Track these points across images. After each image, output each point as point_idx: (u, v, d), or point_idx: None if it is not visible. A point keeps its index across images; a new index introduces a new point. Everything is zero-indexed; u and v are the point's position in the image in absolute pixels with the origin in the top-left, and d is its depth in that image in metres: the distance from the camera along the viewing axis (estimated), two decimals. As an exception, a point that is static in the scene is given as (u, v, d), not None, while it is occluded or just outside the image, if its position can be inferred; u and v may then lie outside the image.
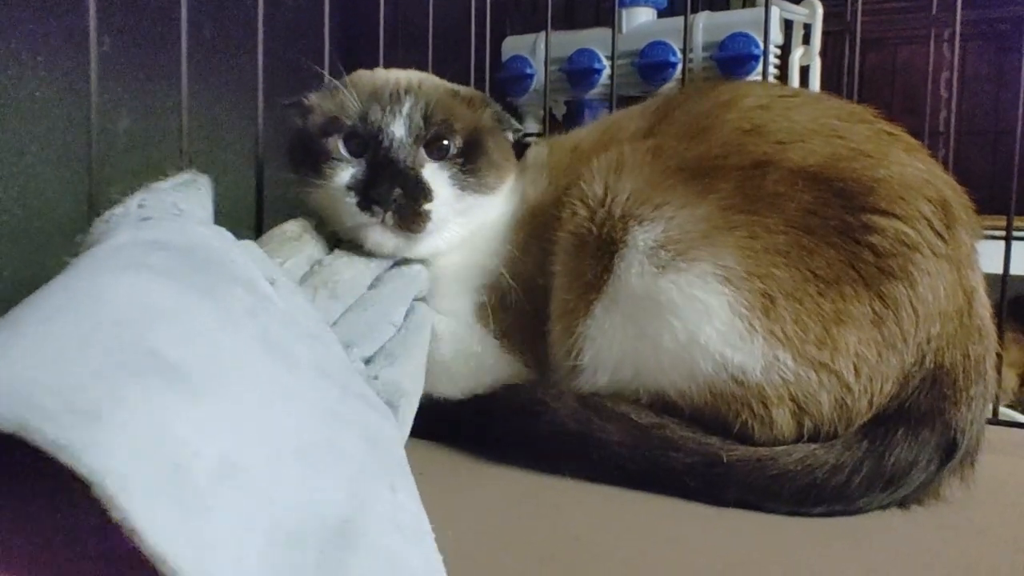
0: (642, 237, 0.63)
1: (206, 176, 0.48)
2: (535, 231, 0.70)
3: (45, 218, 0.70)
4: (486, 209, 0.69)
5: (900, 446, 0.57)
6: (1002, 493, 0.63)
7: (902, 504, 0.58)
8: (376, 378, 0.51)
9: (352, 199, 0.63)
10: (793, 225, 0.60)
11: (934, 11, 1.16)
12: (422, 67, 0.75)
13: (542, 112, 1.07)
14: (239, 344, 0.33)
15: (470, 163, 0.67)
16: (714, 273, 0.60)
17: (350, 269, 0.59)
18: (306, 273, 0.59)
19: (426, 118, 0.65)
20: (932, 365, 0.59)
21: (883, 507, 0.58)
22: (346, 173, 0.64)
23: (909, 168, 0.62)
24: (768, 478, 0.57)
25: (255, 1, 0.70)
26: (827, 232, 0.60)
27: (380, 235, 0.63)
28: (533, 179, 0.73)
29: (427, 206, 0.63)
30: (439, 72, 0.74)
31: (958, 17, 0.83)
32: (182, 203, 0.43)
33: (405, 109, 0.65)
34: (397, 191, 0.62)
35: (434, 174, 0.65)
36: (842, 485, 0.57)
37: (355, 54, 0.96)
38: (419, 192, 0.63)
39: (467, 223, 0.68)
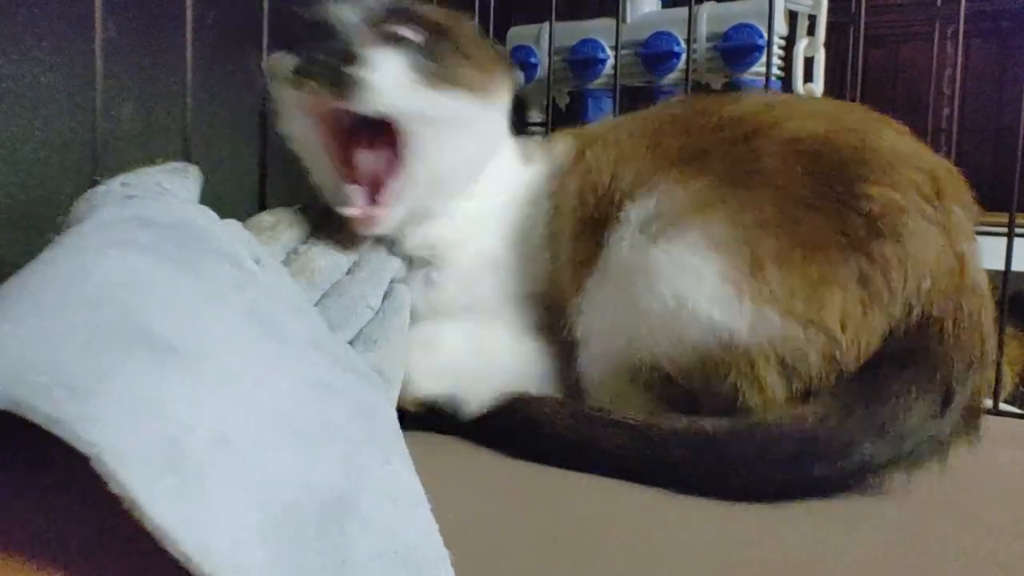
0: (635, 213, 0.63)
1: (196, 167, 0.47)
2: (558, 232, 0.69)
3: (48, 204, 0.70)
4: (476, 121, 0.64)
5: (887, 385, 0.57)
6: (1002, 480, 0.63)
7: (911, 458, 0.56)
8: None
9: (289, 76, 0.57)
10: (782, 196, 0.61)
11: (938, 3, 1.16)
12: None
13: (545, 102, 1.07)
14: (227, 318, 0.33)
15: (435, 54, 0.61)
16: (704, 241, 0.60)
17: (326, 257, 0.58)
18: (283, 261, 0.58)
19: (383, 4, 0.60)
20: (919, 315, 0.59)
21: (889, 461, 0.56)
22: (289, 62, 0.58)
23: (899, 143, 0.63)
24: (760, 443, 0.57)
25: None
26: (816, 201, 0.60)
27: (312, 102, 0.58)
28: (563, 182, 0.70)
29: (362, 73, 0.56)
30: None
31: (962, 12, 0.83)
32: (165, 183, 0.43)
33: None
34: (322, 56, 0.56)
35: (385, 55, 0.58)
36: (834, 430, 0.56)
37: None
38: (351, 58, 0.56)
39: (455, 139, 0.63)
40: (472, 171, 0.67)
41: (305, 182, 0.65)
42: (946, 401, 0.57)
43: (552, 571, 0.46)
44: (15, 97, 0.65)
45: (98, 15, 0.57)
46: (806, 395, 0.59)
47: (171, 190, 0.43)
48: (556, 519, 0.55)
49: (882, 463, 0.57)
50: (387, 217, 0.61)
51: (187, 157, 0.66)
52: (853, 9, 0.96)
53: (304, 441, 0.30)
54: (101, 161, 0.61)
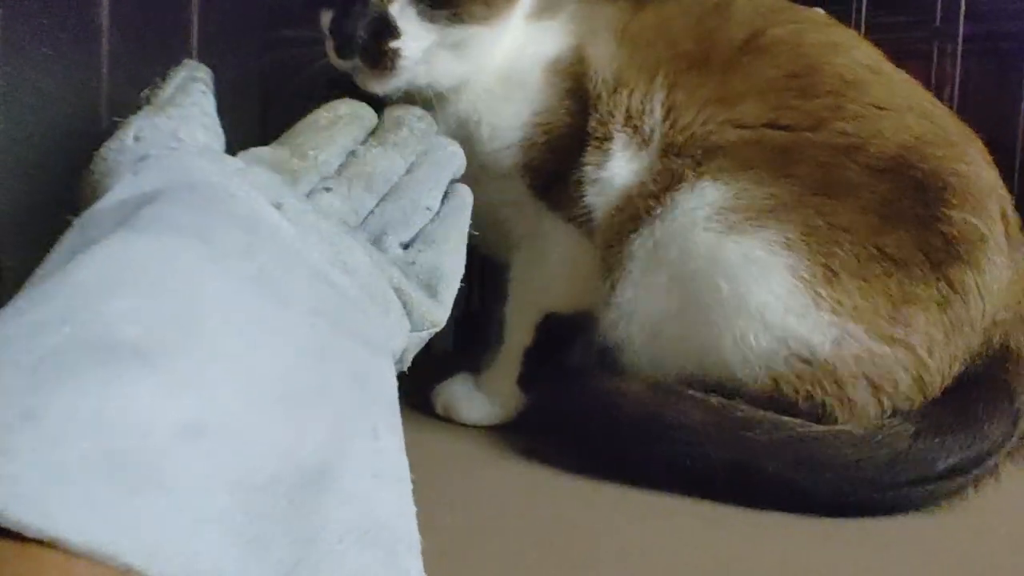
0: (711, 192, 0.63)
1: (205, 69, 0.48)
2: (580, 90, 0.72)
3: (50, 209, 0.70)
4: (483, 40, 0.69)
5: (972, 408, 0.56)
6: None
7: (976, 481, 0.56)
8: (413, 263, 0.51)
9: (331, 45, 0.65)
10: (865, 209, 0.60)
11: (937, 23, 1.17)
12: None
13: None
14: (228, 287, 0.33)
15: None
16: (777, 240, 0.59)
17: (384, 159, 0.58)
18: (341, 165, 0.57)
19: None
20: (998, 346, 0.59)
21: (975, 479, 0.57)
22: (327, 17, 0.66)
23: (984, 171, 0.63)
24: (850, 451, 0.56)
25: (265, -2, 0.70)
26: (899, 218, 0.60)
27: (362, 79, 0.65)
28: (595, 36, 0.74)
29: (393, 43, 0.64)
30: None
31: (960, 32, 0.84)
32: (181, 131, 0.44)
33: None
34: (361, 36, 0.63)
35: (403, 9, 0.64)
36: (927, 446, 0.55)
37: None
38: (382, 29, 0.63)
39: (460, 56, 0.68)
40: (480, 76, 0.72)
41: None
42: (1015, 423, 0.57)
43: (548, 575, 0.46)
44: (18, 103, 0.65)
45: (103, 22, 0.57)
46: (893, 415, 0.58)
47: (185, 140, 0.43)
48: (554, 524, 0.55)
49: (968, 481, 0.57)
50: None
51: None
52: (852, 27, 0.96)
53: (292, 414, 0.30)
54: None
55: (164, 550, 0.23)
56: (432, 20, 0.65)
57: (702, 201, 0.63)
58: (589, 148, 0.73)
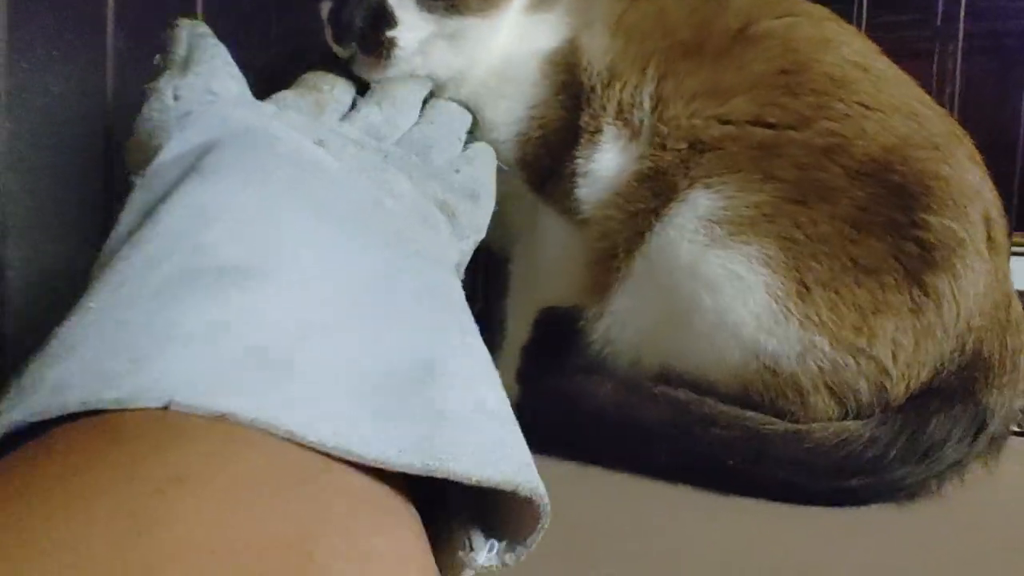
0: (703, 203, 0.63)
1: (203, 24, 0.49)
2: (574, 83, 0.71)
3: (56, 211, 0.71)
4: (480, 32, 0.69)
5: (934, 420, 0.57)
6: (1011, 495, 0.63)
7: (937, 480, 0.58)
8: (458, 171, 0.54)
9: (330, 33, 0.64)
10: (841, 218, 0.61)
11: (938, 21, 1.17)
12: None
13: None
14: (294, 220, 0.35)
15: None
16: (759, 257, 0.60)
17: (401, 87, 0.61)
18: (360, 95, 0.60)
19: None
20: (971, 352, 0.60)
21: (917, 481, 0.58)
22: (327, 7, 0.65)
23: (968, 175, 0.63)
24: (804, 450, 0.58)
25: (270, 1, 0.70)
26: (875, 226, 0.61)
27: (359, 65, 0.64)
28: (590, 28, 0.73)
29: (390, 32, 0.63)
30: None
31: (960, 30, 0.84)
32: (213, 84, 0.45)
33: None
34: (358, 24, 0.62)
35: (401, 3, 0.64)
36: (878, 457, 0.57)
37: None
38: (380, 19, 0.63)
39: (457, 48, 0.68)
40: (475, 70, 0.71)
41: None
42: (979, 430, 0.58)
43: (548, 572, 0.47)
44: (26, 103, 0.66)
45: (109, 24, 0.58)
46: (857, 416, 0.59)
47: (220, 92, 0.45)
48: (554, 521, 0.55)
49: (916, 484, 0.58)
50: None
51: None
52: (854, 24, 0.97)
53: (385, 321, 0.32)
54: (112, 169, 0.62)
55: (316, 420, 0.25)
56: (430, 10, 0.65)
57: (693, 213, 0.63)
58: (582, 141, 0.73)
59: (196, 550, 0.21)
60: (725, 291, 0.60)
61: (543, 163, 0.73)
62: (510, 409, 0.33)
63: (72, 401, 0.24)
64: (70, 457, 0.23)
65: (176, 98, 0.44)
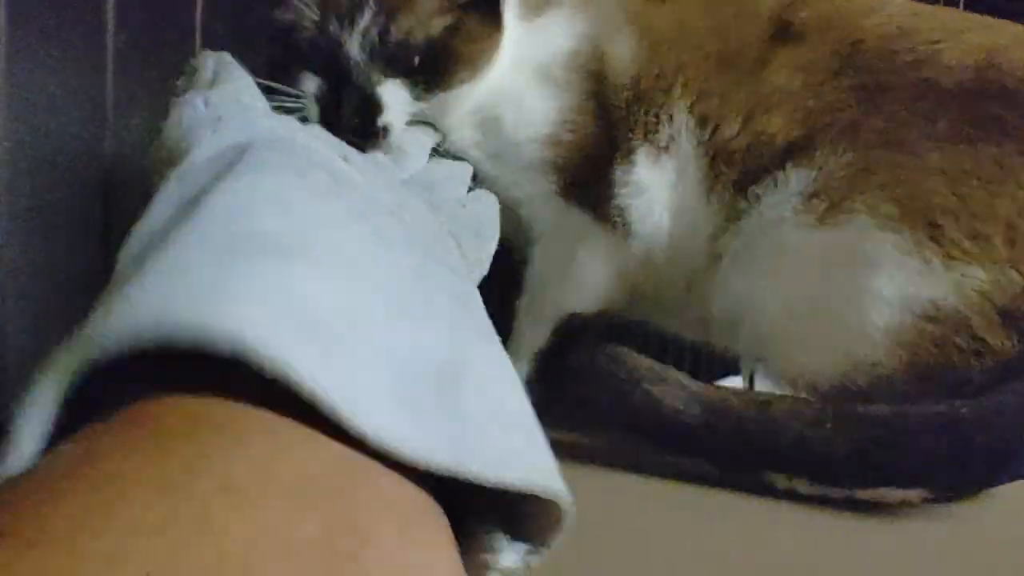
0: (795, 178, 0.61)
1: (229, 55, 0.50)
2: (601, 94, 0.71)
3: (55, 210, 0.71)
4: (473, 89, 0.69)
5: None
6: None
7: None
8: (465, 206, 0.55)
9: (315, 111, 0.64)
10: (946, 139, 0.57)
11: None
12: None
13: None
14: (333, 216, 0.35)
15: (433, 72, 0.67)
16: (874, 223, 0.57)
17: (410, 134, 0.63)
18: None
19: (382, 35, 0.65)
20: None
21: None
22: (312, 83, 0.66)
23: None
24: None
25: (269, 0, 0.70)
26: (985, 133, 0.57)
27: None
28: (611, 29, 0.72)
29: (381, 120, 0.64)
30: None
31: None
32: (244, 97, 0.46)
33: (362, 24, 0.64)
34: (352, 118, 0.63)
35: (393, 90, 0.65)
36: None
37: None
38: (370, 110, 0.63)
39: (452, 107, 0.69)
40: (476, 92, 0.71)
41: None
42: None
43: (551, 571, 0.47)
44: (26, 105, 0.66)
45: (109, 24, 0.58)
46: None
47: (249, 104, 0.46)
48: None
49: None
50: None
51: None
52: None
53: (414, 321, 0.32)
54: (110, 170, 0.62)
55: (364, 411, 0.25)
56: (423, 97, 0.67)
57: (787, 193, 0.62)
58: (619, 153, 0.72)
59: (253, 554, 0.21)
60: (851, 269, 0.57)
61: (577, 169, 0.72)
62: (532, 413, 0.33)
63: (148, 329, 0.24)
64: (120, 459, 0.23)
65: (207, 105, 0.44)
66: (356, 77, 0.64)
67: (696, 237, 0.71)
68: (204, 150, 0.40)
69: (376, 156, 0.57)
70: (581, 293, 0.73)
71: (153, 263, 0.29)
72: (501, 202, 0.64)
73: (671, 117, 0.70)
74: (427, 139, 0.66)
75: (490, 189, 0.70)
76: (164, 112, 0.82)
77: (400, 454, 0.25)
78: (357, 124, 0.63)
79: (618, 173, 0.71)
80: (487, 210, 0.58)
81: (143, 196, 0.38)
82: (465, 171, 0.65)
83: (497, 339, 0.38)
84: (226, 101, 0.45)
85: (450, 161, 0.66)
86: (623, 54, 0.72)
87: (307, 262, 0.30)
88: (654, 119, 0.71)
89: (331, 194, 0.38)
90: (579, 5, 0.74)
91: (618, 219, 0.72)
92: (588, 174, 0.72)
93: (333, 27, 0.64)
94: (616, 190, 0.71)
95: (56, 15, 0.68)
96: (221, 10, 0.79)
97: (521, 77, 0.71)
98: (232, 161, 0.37)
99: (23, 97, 0.65)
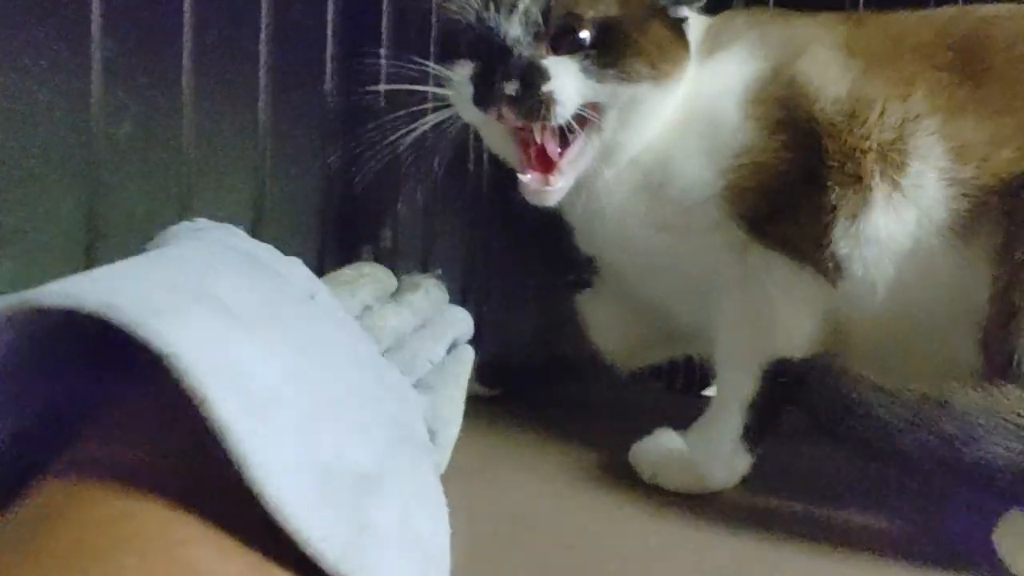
0: None
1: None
2: (797, 119, 0.64)
3: (45, 222, 0.70)
4: (652, 98, 0.64)
5: None
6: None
7: None
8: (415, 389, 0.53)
9: (469, 91, 0.62)
10: None
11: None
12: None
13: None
14: (289, 317, 0.36)
15: (606, 54, 0.62)
16: None
17: (396, 316, 0.60)
18: (356, 316, 0.59)
19: (545, 14, 0.62)
20: None
21: None
22: (467, 68, 0.63)
23: None
24: None
25: (259, 5, 0.70)
26: None
27: (497, 139, 0.65)
28: (804, 55, 0.65)
29: (546, 87, 0.60)
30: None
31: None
32: (230, 228, 0.47)
33: (521, 6, 0.61)
34: (511, 82, 0.60)
35: (561, 63, 0.61)
36: None
37: (359, 57, 0.97)
38: (534, 75, 0.60)
39: (629, 113, 0.64)
40: (642, 140, 0.67)
41: (303, 193, 0.66)
42: None
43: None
44: (13, 114, 0.65)
45: (95, 33, 0.57)
46: None
47: (234, 231, 0.46)
48: (551, 542, 0.54)
49: None
50: (558, 192, 0.65)
51: (186, 174, 0.66)
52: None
53: (356, 415, 0.33)
54: (97, 179, 0.61)
55: (282, 484, 0.25)
56: (598, 79, 0.62)
57: None
58: (835, 189, 0.62)
59: None
60: None
61: (768, 211, 0.65)
62: (444, 540, 0.34)
63: (93, 304, 0.25)
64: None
65: (192, 222, 0.45)
66: (518, 53, 0.61)
67: (942, 288, 0.62)
68: (180, 238, 0.41)
69: (339, 312, 0.54)
70: (788, 337, 0.65)
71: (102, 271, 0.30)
72: (670, 264, 0.65)
73: (905, 144, 0.61)
74: (410, 321, 0.62)
75: (664, 264, 0.68)
76: (152, 120, 0.82)
77: (301, 540, 0.25)
78: (518, 92, 0.59)
79: (839, 221, 0.62)
80: (440, 404, 0.55)
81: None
82: (444, 335, 0.61)
83: (430, 460, 0.39)
84: (211, 224, 0.46)
85: (429, 332, 0.62)
86: (826, 71, 0.64)
87: (249, 331, 0.30)
88: (897, 131, 0.62)
89: (293, 302, 0.38)
90: (757, 41, 0.68)
91: (830, 266, 0.63)
92: (785, 214, 0.64)
93: (490, 14, 0.61)
94: (835, 237, 0.62)
95: (43, 24, 0.67)
96: (211, 18, 0.79)
97: (685, 133, 0.66)
98: (207, 242, 0.38)
99: (12, 107, 0.65)
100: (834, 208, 0.62)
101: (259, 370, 0.28)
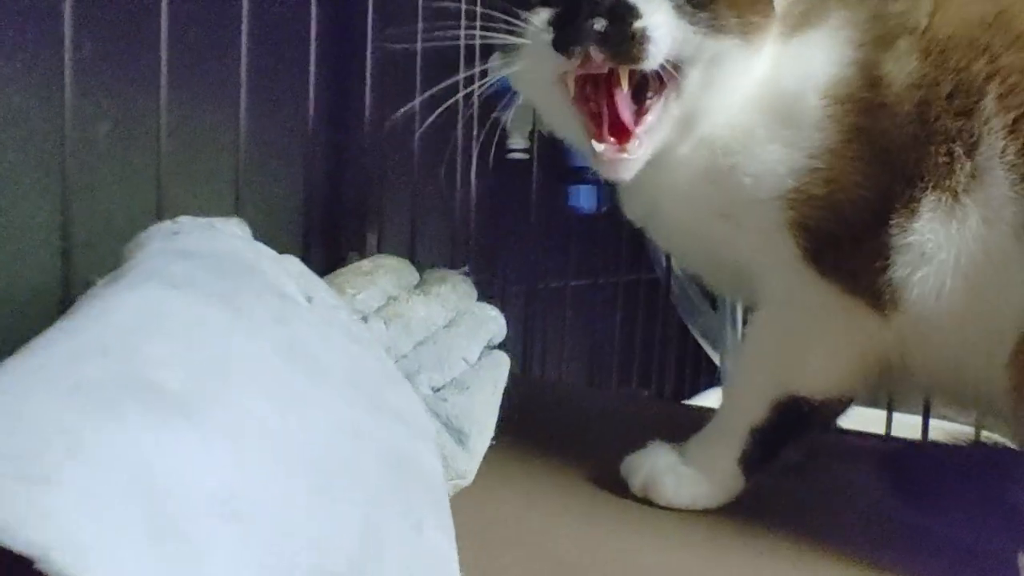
0: None
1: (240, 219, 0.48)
2: (876, 129, 0.57)
3: (22, 225, 0.69)
4: (737, 58, 0.58)
5: None
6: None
7: None
8: (445, 401, 0.50)
9: (547, 36, 0.56)
10: None
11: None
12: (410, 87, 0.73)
13: (529, 129, 1.06)
14: (257, 353, 0.32)
15: None
16: None
17: (425, 308, 0.58)
18: (381, 306, 0.58)
19: None
20: None
21: None
22: (542, 15, 0.57)
23: None
24: None
25: (239, 6, 0.69)
26: None
27: (569, 101, 0.58)
28: (890, 49, 0.58)
29: (639, 23, 0.54)
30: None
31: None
32: (218, 223, 0.44)
33: None
34: (599, 19, 0.53)
35: (649, 1, 0.55)
36: None
37: (342, 77, 0.96)
38: (624, 10, 0.54)
39: (712, 74, 0.58)
40: (722, 111, 0.61)
41: (284, 196, 0.64)
42: None
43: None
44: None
45: (67, 33, 0.56)
46: None
47: (221, 229, 0.43)
48: (541, 557, 0.53)
49: None
50: (637, 162, 0.59)
51: (162, 174, 0.65)
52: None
53: (326, 496, 0.28)
54: (74, 180, 0.60)
55: None
56: (690, 20, 0.56)
57: None
58: (899, 209, 0.56)
59: None
60: None
61: (830, 229, 0.58)
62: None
63: None
64: None
65: (173, 222, 0.42)
66: None
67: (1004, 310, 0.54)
68: (145, 252, 0.37)
69: (339, 313, 0.48)
70: (814, 377, 0.61)
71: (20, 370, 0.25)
72: (728, 257, 0.62)
73: (975, 146, 0.54)
74: (440, 312, 0.59)
75: (716, 253, 0.64)
76: (129, 121, 0.81)
77: None
78: (606, 28, 0.53)
79: (894, 236, 0.56)
80: (475, 406, 0.52)
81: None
82: (478, 334, 0.59)
83: (440, 511, 0.35)
84: (196, 223, 0.43)
85: (463, 329, 0.59)
86: (906, 72, 0.57)
87: (192, 422, 0.26)
88: (946, 155, 0.55)
89: (273, 322, 0.34)
90: (846, 22, 0.60)
91: (885, 295, 0.57)
92: (848, 238, 0.58)
93: None
94: (891, 259, 0.56)
95: (16, 29, 0.66)
96: (190, 16, 0.77)
97: (765, 116, 0.60)
98: (163, 270, 0.34)
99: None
100: (889, 226, 0.56)
101: (202, 477, 0.24)
